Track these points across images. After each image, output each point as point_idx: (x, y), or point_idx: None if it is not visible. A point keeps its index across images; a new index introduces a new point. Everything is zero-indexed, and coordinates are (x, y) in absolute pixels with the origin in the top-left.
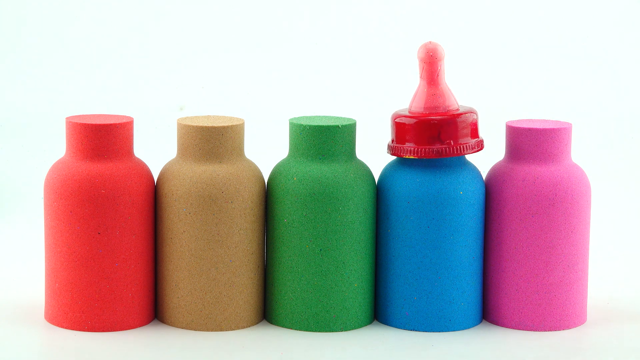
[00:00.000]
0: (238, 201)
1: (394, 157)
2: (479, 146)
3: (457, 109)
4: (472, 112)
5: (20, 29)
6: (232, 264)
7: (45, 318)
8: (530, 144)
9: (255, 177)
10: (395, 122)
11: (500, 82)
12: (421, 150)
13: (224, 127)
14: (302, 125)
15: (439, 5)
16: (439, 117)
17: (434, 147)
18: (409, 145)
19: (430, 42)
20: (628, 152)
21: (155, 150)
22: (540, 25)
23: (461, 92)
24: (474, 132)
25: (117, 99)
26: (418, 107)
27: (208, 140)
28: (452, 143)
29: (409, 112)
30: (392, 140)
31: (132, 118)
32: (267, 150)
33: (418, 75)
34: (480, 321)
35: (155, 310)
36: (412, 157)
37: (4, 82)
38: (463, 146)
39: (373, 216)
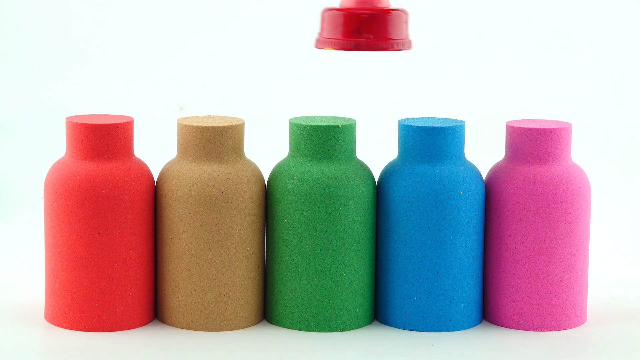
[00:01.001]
0: (238, 201)
1: (395, 157)
2: (401, 45)
3: (387, 7)
4: (400, 10)
5: (20, 29)
6: (232, 264)
7: (45, 318)
8: (530, 144)
9: (255, 177)
10: (322, 15)
11: (500, 82)
12: (340, 43)
13: (224, 127)
14: (302, 125)
15: (438, 5)
16: (362, 10)
17: (352, 40)
18: (329, 37)
19: None
20: (628, 152)
21: (155, 150)
22: (540, 25)
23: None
24: (399, 32)
25: (117, 99)
26: (348, 1)
27: (208, 140)
28: (372, 38)
29: (340, 5)
30: (318, 34)
31: (132, 118)
32: (267, 150)
33: None
34: (480, 321)
35: (155, 310)
36: (331, 49)
37: (4, 82)
38: (383, 43)
39: (373, 216)
